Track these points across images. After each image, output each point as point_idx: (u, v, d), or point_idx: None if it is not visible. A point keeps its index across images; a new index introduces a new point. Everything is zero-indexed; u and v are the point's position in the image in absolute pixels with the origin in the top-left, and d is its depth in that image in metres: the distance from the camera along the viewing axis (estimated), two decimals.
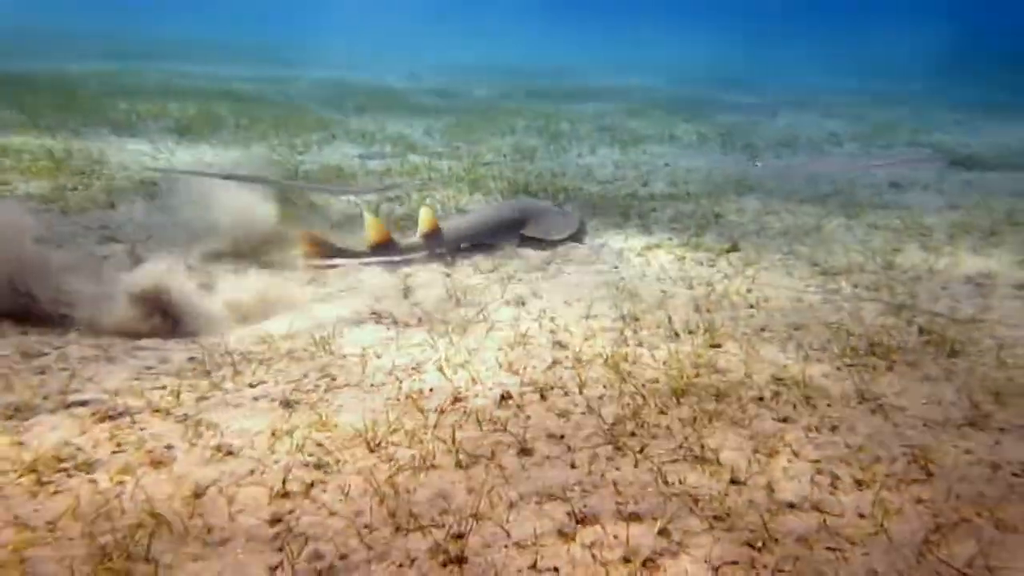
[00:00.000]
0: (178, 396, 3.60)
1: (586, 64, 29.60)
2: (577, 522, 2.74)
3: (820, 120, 14.86)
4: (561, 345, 4.31)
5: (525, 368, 4.01)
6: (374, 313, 4.84)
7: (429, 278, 5.51)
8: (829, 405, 3.59)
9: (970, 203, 7.65)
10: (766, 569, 2.49)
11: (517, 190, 8.22)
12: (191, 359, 4.07)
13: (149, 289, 4.46)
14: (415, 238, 5.93)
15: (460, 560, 2.53)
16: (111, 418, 3.35)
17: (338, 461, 3.13)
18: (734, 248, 6.14)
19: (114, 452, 3.08)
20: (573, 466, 3.11)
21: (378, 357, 4.17)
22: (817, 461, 3.12)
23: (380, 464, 3.11)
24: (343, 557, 2.53)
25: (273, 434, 3.32)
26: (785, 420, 3.46)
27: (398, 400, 3.67)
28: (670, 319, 4.62)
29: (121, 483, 2.86)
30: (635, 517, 2.76)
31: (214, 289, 4.95)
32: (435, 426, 3.41)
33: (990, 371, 3.89)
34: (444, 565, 2.51)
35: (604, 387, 3.80)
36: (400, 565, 2.50)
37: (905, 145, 11.64)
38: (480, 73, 24.97)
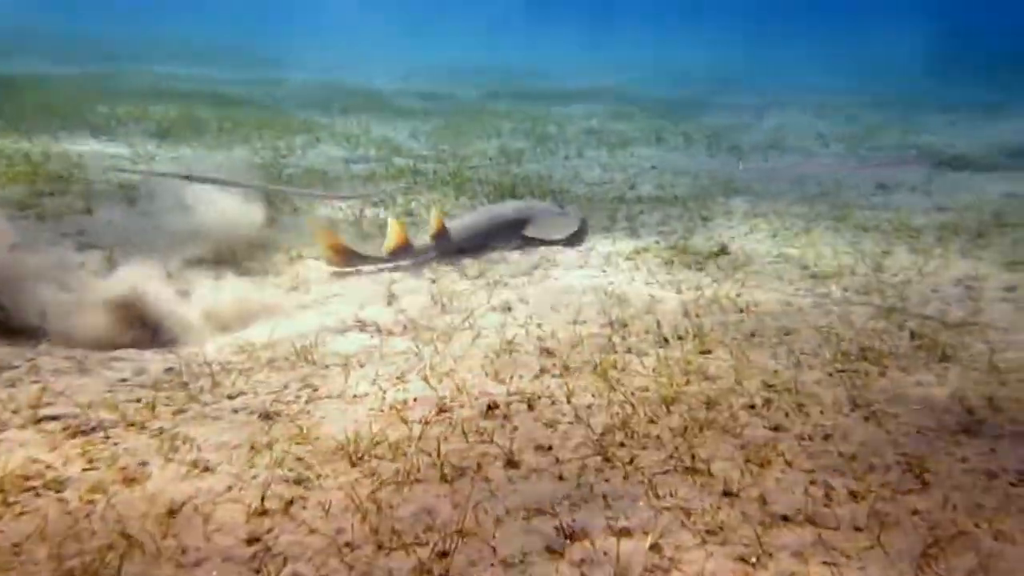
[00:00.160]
0: (154, 409, 3.49)
1: (575, 65, 29.57)
2: (566, 538, 2.66)
3: (811, 121, 14.86)
4: (548, 352, 4.22)
5: (512, 377, 3.93)
6: (358, 321, 4.74)
7: (414, 284, 5.42)
8: (822, 412, 3.52)
9: (958, 204, 7.63)
10: None
11: (503, 194, 8.14)
12: (168, 370, 3.96)
13: (124, 297, 4.35)
14: (426, 240, 5.90)
15: None
16: (83, 433, 3.24)
17: (319, 476, 3.03)
18: (723, 251, 6.08)
19: (85, 469, 2.97)
20: (561, 478, 3.03)
21: (361, 366, 4.08)
22: (811, 471, 3.05)
23: (362, 479, 3.02)
24: None
25: (252, 448, 3.21)
26: (777, 428, 3.39)
27: (382, 411, 3.58)
28: (659, 324, 4.55)
29: (92, 502, 2.75)
30: (626, 532, 2.68)
31: (193, 296, 4.85)
32: (419, 438, 3.32)
33: (983, 376, 3.84)
34: None
35: (592, 396, 3.72)
36: None
37: (894, 147, 11.64)
38: (467, 75, 24.89)
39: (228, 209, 6.25)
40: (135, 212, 6.75)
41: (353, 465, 3.11)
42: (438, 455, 3.18)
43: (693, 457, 3.15)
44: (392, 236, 5.68)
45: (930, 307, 4.81)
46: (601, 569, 2.49)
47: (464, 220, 6.36)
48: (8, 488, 2.79)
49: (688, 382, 3.84)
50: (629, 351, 4.25)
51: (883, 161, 9.36)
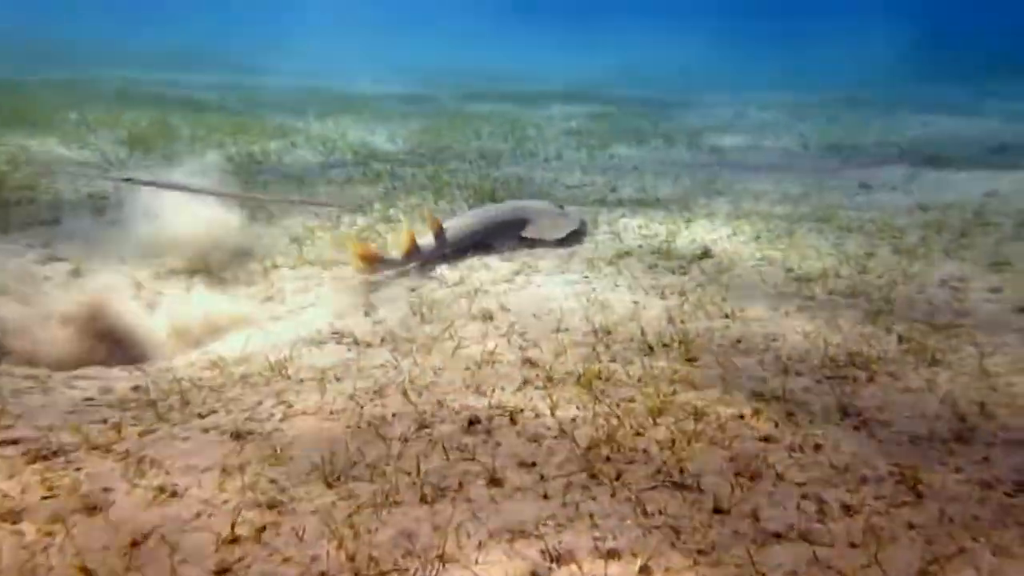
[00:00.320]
0: (119, 431, 3.34)
1: (555, 67, 29.51)
2: (552, 561, 2.55)
3: (789, 121, 14.87)
4: (531, 363, 4.11)
5: (494, 389, 3.81)
6: (335, 332, 4.61)
7: (393, 293, 5.30)
8: (811, 422, 3.44)
9: (940, 203, 7.61)
10: None
11: (483, 198, 8.02)
12: (136, 388, 3.81)
13: (90, 312, 4.19)
14: (428, 239, 5.91)
15: None
16: (43, 458, 3.08)
17: (293, 499, 2.90)
18: (706, 255, 6.00)
19: (44, 497, 2.82)
20: (546, 497, 2.92)
21: (338, 380, 3.95)
22: (803, 484, 2.96)
23: (339, 501, 2.89)
24: None
25: (223, 470, 3.07)
26: (767, 439, 3.30)
27: (359, 428, 3.45)
28: (643, 332, 4.45)
29: (50, 534, 2.60)
30: (614, 554, 2.57)
31: (163, 309, 4.69)
32: (399, 456, 3.20)
33: (973, 380, 3.77)
34: None
35: (577, 408, 3.61)
36: None
37: (875, 146, 11.65)
38: (445, 77, 24.76)
39: (201, 218, 6.09)
40: (104, 222, 6.57)
41: (329, 487, 2.98)
42: (418, 474, 3.06)
43: (682, 471, 3.05)
44: (404, 240, 5.73)
45: (917, 309, 4.76)
46: None
47: (462, 220, 6.34)
48: None
49: (674, 392, 3.75)
50: (613, 360, 4.15)
51: (866, 161, 9.30)
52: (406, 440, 3.34)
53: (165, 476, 3.01)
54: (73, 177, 8.05)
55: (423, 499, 2.90)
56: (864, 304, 4.87)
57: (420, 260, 5.84)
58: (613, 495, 2.91)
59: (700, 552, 2.58)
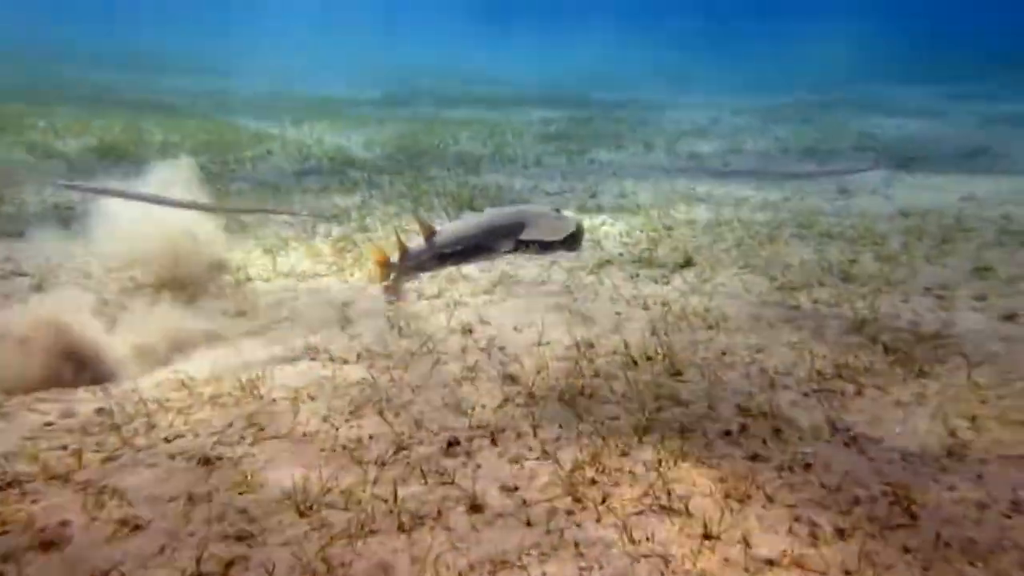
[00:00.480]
0: (80, 458, 3.18)
1: (533, 71, 29.44)
2: None
3: (764, 124, 14.88)
4: (512, 379, 4.00)
5: (474, 408, 3.69)
6: (309, 348, 4.46)
7: (370, 306, 5.16)
8: (800, 438, 3.35)
9: (919, 208, 7.59)
10: None
11: (462, 205, 7.90)
12: (99, 411, 3.65)
13: (52, 331, 4.01)
14: (419, 242, 6.01)
15: None
16: None
17: (263, 531, 2.76)
18: (688, 263, 5.92)
19: None
20: (529, 524, 2.80)
21: (312, 400, 3.80)
22: (793, 506, 2.86)
23: (311, 532, 2.75)
24: None
25: (189, 499, 2.93)
26: (755, 458, 3.20)
27: (334, 451, 3.31)
28: (626, 345, 4.35)
29: (1, 574, 2.44)
30: None
31: (130, 327, 4.52)
32: (375, 482, 3.07)
33: (962, 393, 3.70)
34: None
35: (560, 426, 3.50)
36: None
37: (851, 149, 11.66)
38: (423, 81, 24.59)
39: (171, 229, 5.89)
40: (70, 234, 6.35)
41: (301, 516, 2.85)
42: (395, 501, 2.93)
43: (669, 494, 2.95)
44: (397, 246, 5.80)
45: (902, 319, 4.69)
46: None
47: (462, 223, 6.48)
48: None
49: (660, 408, 3.65)
50: (596, 375, 4.04)
51: (842, 167, 9.28)
52: (383, 464, 3.21)
53: (127, 507, 2.86)
54: (39, 187, 7.82)
55: (400, 528, 2.78)
56: (849, 313, 4.80)
57: (413, 262, 5.90)
58: (599, 520, 2.80)
59: None
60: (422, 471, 3.13)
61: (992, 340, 4.32)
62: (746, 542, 2.66)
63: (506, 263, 6.04)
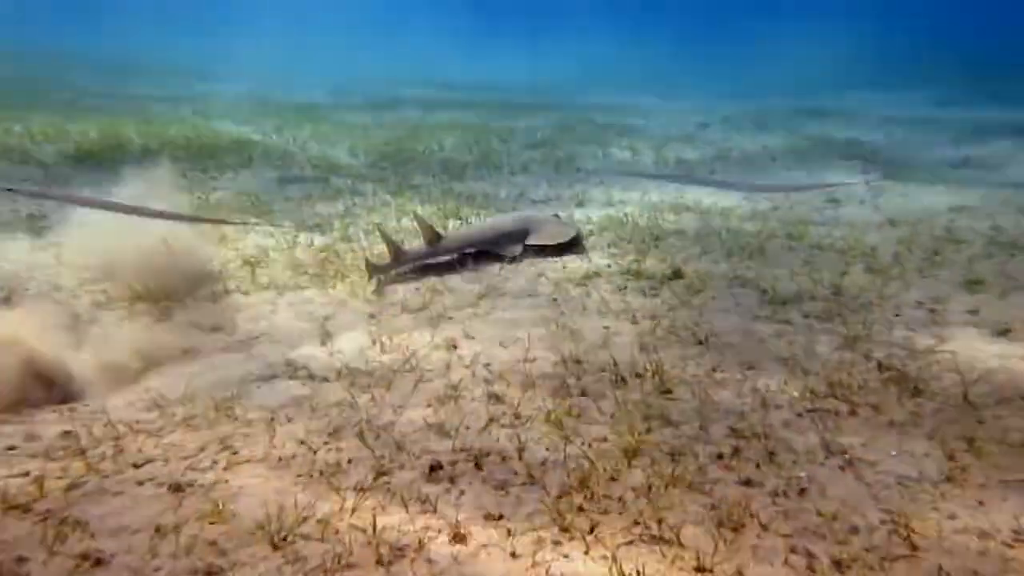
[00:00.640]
0: (42, 486, 3.02)
1: (519, 77, 29.35)
2: None
3: (753, 131, 14.84)
4: (497, 398, 3.87)
5: (458, 429, 3.56)
6: (288, 364, 4.32)
7: (351, 320, 5.01)
8: (795, 462, 3.24)
9: (908, 218, 7.53)
10: None
11: (447, 215, 7.77)
12: (66, 434, 3.49)
13: (15, 347, 3.85)
14: (418, 244, 6.17)
15: None
16: None
17: (234, 565, 2.62)
18: (677, 275, 5.81)
19: None
20: (514, 555, 2.68)
21: (289, 421, 3.67)
22: (789, 536, 2.75)
23: (285, 566, 2.62)
24: None
25: (157, 531, 2.79)
26: (749, 483, 3.09)
27: (311, 477, 3.18)
28: (615, 362, 4.23)
29: None
30: None
31: (101, 342, 4.36)
32: (353, 510, 2.93)
33: (959, 413, 3.61)
34: None
35: (547, 449, 3.38)
36: None
37: (841, 158, 11.62)
38: (408, 87, 24.44)
39: (147, 240, 5.73)
40: (41, 245, 6.17)
41: (275, 548, 2.71)
42: (374, 531, 2.80)
43: (660, 522, 2.83)
44: (388, 248, 5.89)
45: (895, 334, 4.60)
46: None
47: (472, 228, 6.75)
48: None
49: (650, 429, 3.53)
50: (584, 394, 3.92)
51: (832, 182, 9.17)
52: (362, 490, 3.08)
53: (89, 540, 2.71)
54: (12, 196, 7.62)
55: (379, 561, 2.64)
56: (841, 328, 4.71)
57: (408, 265, 6.01)
58: (587, 552, 2.68)
59: None
60: (403, 499, 3.00)
61: (987, 356, 4.24)
62: (740, 575, 2.54)
63: (493, 275, 5.92)
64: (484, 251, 6.33)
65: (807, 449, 3.34)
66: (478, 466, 3.25)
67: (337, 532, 2.80)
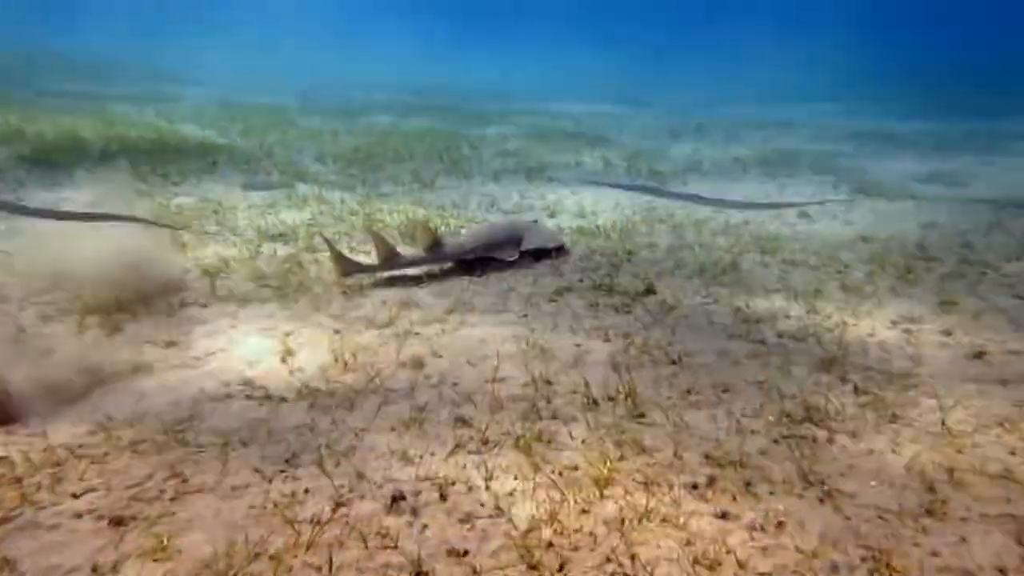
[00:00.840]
0: None
1: (488, 86, 29.26)
2: None
3: (725, 144, 14.88)
4: (464, 421, 3.71)
5: (422, 455, 3.39)
6: (245, 383, 4.12)
7: (314, 335, 4.82)
8: (772, 493, 3.12)
9: (881, 234, 7.52)
10: None
11: (417, 225, 7.59)
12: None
13: None
14: (418, 251, 6.17)
15: None
16: None
17: None
18: (649, 291, 5.70)
19: None
20: None
21: (244, 446, 3.47)
22: (768, 574, 2.63)
23: None
24: None
25: (94, 571, 2.58)
26: (725, 516, 2.97)
27: (264, 509, 2.99)
28: (587, 383, 4.09)
29: None
30: None
31: (46, 358, 4.13)
32: (308, 546, 2.75)
33: (937, 441, 3.53)
34: None
35: (515, 478, 3.22)
36: None
37: (811, 172, 11.65)
38: (378, 92, 24.21)
39: (101, 249, 5.50)
40: None
41: None
42: (330, 570, 2.62)
43: (633, 559, 2.70)
44: (380, 248, 5.88)
45: (871, 355, 4.53)
46: None
47: (470, 233, 6.63)
48: None
49: (622, 457, 3.40)
50: (555, 417, 3.78)
51: (805, 200, 9.11)
52: (319, 523, 2.90)
53: None
54: None
55: None
56: (816, 348, 4.63)
57: (400, 268, 6.00)
58: None
59: None
60: (362, 533, 2.83)
61: (962, 380, 4.18)
62: None
63: (462, 289, 5.76)
64: (473, 258, 6.25)
65: (784, 479, 3.22)
66: (443, 496, 3.08)
67: (290, 570, 2.62)
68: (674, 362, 4.47)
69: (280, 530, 2.85)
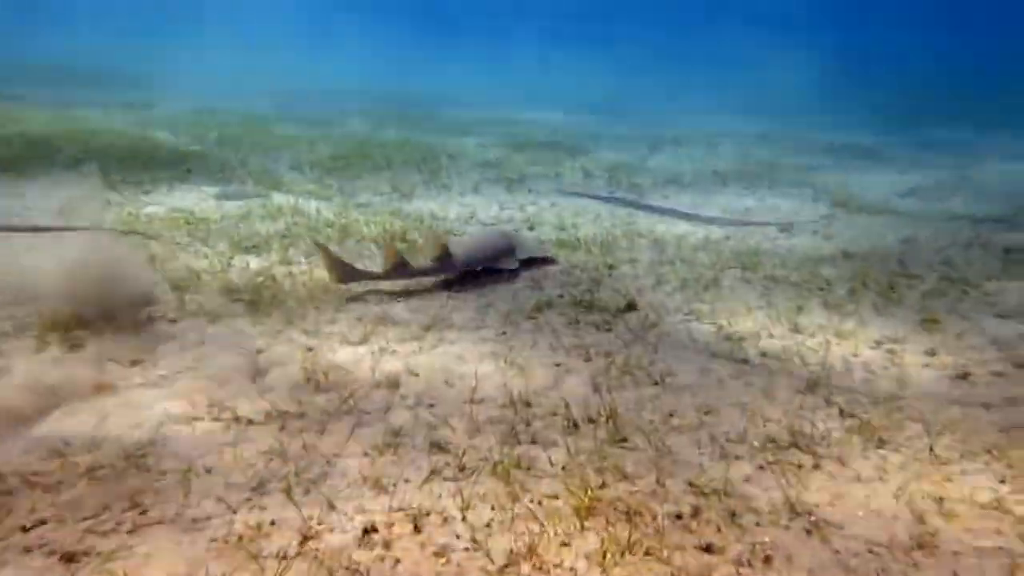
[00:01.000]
0: None
1: (466, 93, 29.17)
2: None
3: (704, 156, 14.88)
4: (440, 447, 3.57)
5: (396, 483, 3.26)
6: (212, 405, 3.95)
7: (286, 352, 4.66)
8: (758, 524, 3.02)
9: (861, 249, 7.50)
10: None
11: (393, 236, 7.46)
12: None
13: None
14: (426, 261, 6.03)
15: None
16: None
17: None
18: (631, 307, 5.61)
19: None
20: None
21: (208, 473, 3.31)
22: None
23: None
24: None
25: None
26: (710, 549, 2.86)
27: (227, 542, 2.83)
28: (567, 405, 3.98)
29: None
30: None
31: (2, 377, 3.94)
32: None
33: (926, 468, 3.45)
34: None
35: (492, 508, 3.09)
36: None
37: (790, 185, 11.65)
38: (356, 101, 24.03)
39: (64, 259, 5.30)
40: None
41: None
42: None
43: None
44: (387, 256, 5.81)
45: (855, 377, 4.46)
46: None
47: (465, 244, 6.45)
48: None
49: (604, 485, 3.28)
50: (534, 441, 3.66)
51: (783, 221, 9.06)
52: (284, 558, 2.75)
53: None
54: None
55: None
56: (800, 369, 4.55)
57: (409, 278, 5.91)
58: None
59: None
60: (330, 569, 2.69)
61: (948, 403, 4.11)
62: None
63: (440, 304, 5.63)
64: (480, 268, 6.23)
65: (771, 508, 3.12)
66: (417, 528, 2.95)
67: None
68: (656, 383, 4.37)
69: (244, 566, 2.70)
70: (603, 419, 3.87)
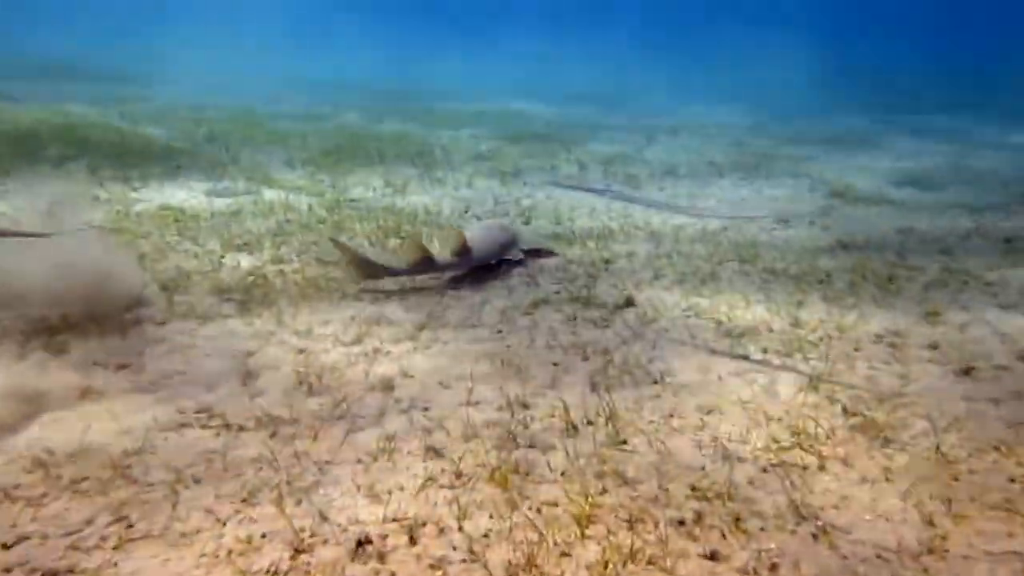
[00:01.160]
0: None
1: (463, 87, 28.96)
2: None
3: (700, 147, 14.76)
4: (436, 452, 3.48)
5: (391, 492, 3.17)
6: (200, 411, 3.86)
7: (277, 355, 4.56)
8: (763, 529, 2.94)
9: (859, 241, 7.41)
10: None
11: (387, 233, 7.35)
12: None
13: None
14: (447, 256, 5.98)
15: None
16: None
17: None
18: (628, 303, 5.52)
19: None
20: None
21: (197, 483, 3.22)
22: None
23: None
24: None
25: None
26: (714, 556, 2.78)
27: (216, 557, 2.74)
28: (566, 406, 3.89)
29: None
30: None
31: None
32: None
33: (933, 468, 3.37)
34: None
35: (490, 516, 3.01)
36: None
37: (787, 176, 11.55)
38: (348, 94, 23.80)
39: (47, 261, 5.18)
40: None
41: None
42: None
43: None
44: (412, 249, 5.79)
45: (858, 373, 4.37)
46: None
47: (487, 235, 6.41)
48: None
49: (604, 490, 3.19)
50: (532, 445, 3.57)
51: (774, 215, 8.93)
52: (276, 573, 2.66)
53: None
54: None
55: None
56: (802, 365, 4.47)
57: (434, 273, 5.91)
58: None
59: None
60: None
61: (953, 400, 4.03)
62: None
63: (435, 302, 5.53)
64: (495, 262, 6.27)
65: (776, 513, 3.04)
66: (412, 539, 2.86)
67: None
68: (655, 381, 4.28)
69: None
70: (602, 420, 3.78)
